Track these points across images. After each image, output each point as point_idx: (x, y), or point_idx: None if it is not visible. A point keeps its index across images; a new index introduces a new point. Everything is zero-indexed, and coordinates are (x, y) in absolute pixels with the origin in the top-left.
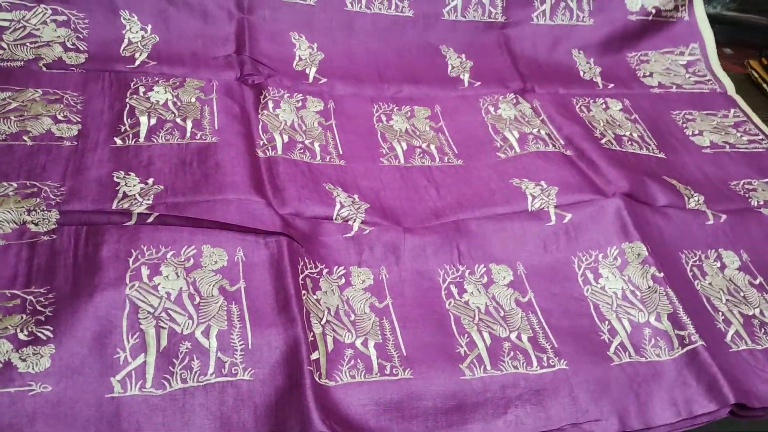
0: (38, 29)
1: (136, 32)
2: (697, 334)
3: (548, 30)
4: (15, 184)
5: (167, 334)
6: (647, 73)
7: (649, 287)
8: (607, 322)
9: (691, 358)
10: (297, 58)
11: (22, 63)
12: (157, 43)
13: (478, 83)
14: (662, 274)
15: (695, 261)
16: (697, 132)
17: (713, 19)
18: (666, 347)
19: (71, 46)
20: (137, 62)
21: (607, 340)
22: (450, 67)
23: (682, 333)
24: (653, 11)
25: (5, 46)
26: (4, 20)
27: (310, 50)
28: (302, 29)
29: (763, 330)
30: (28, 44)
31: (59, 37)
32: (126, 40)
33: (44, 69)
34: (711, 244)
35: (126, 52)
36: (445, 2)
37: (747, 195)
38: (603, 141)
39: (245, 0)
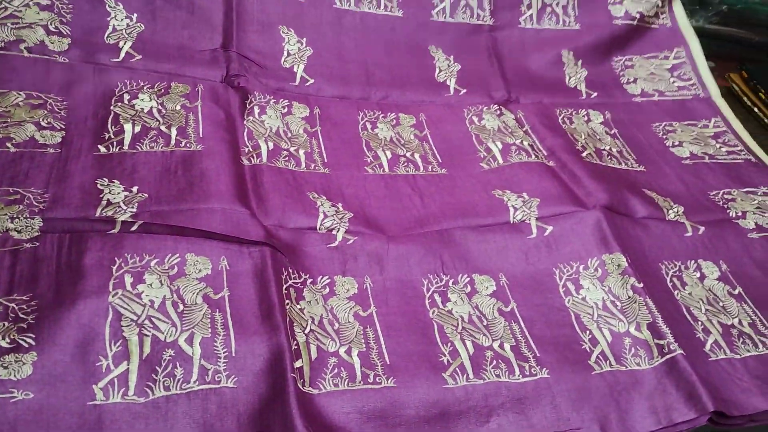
0: (20, 11)
1: (122, 20)
2: (676, 343)
3: (535, 34)
4: None
5: (150, 342)
6: (631, 79)
7: (629, 297)
8: (588, 332)
9: (671, 367)
10: (286, 53)
11: (2, 44)
12: (143, 32)
13: (464, 91)
14: (642, 285)
15: (675, 271)
16: (677, 143)
17: (695, 33)
18: (646, 356)
19: (54, 30)
20: (122, 54)
21: (588, 350)
22: (438, 70)
23: (661, 342)
24: (637, 16)
25: None
26: None
27: (299, 45)
28: (291, 23)
29: (741, 339)
30: (9, 24)
31: (42, 20)
32: (110, 27)
33: (26, 53)
34: (691, 255)
35: (110, 40)
36: (434, 4)
37: (726, 206)
38: (584, 154)
39: None
